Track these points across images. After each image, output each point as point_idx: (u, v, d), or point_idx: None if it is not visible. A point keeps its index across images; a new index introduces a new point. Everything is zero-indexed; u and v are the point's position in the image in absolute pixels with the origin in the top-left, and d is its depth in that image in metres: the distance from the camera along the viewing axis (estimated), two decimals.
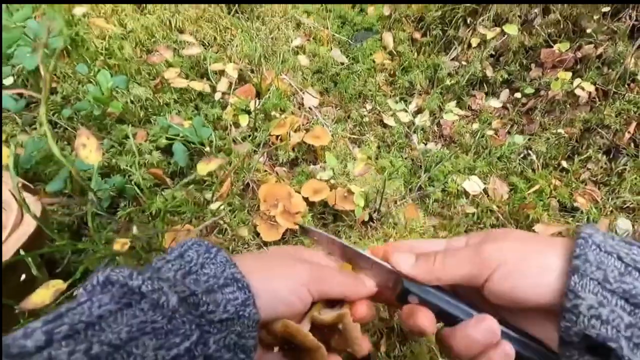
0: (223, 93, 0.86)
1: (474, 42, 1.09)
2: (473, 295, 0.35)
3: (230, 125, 0.91)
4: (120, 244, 0.54)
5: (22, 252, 0.47)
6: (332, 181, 0.87)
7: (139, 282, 0.28)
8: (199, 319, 0.28)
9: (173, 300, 0.28)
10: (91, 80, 0.79)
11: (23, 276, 0.58)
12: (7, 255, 0.48)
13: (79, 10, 0.82)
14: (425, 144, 1.11)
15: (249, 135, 0.92)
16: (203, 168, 0.58)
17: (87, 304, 0.27)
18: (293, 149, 0.93)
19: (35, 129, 0.80)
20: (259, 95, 0.97)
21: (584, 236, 0.29)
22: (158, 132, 0.84)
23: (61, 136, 0.82)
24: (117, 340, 0.25)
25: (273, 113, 0.91)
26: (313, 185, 0.82)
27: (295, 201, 0.76)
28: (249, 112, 0.89)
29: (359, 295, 0.37)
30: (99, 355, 0.24)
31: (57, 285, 0.45)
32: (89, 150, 0.43)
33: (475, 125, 0.95)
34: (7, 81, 0.76)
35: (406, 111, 0.85)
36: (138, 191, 0.75)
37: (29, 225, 0.51)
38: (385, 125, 1.13)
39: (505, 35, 1.13)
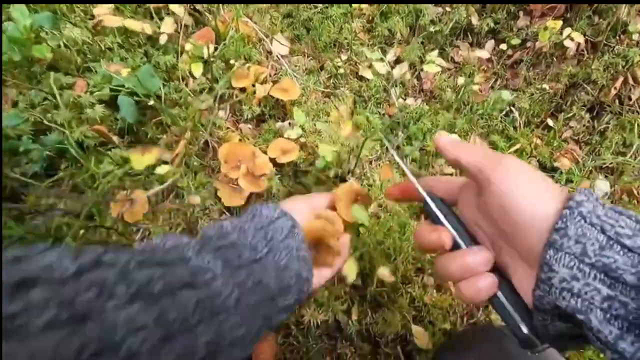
0: (170, 36, 0.74)
1: None
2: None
3: (187, 76, 0.80)
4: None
5: None
6: (302, 139, 0.79)
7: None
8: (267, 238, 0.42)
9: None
10: (10, 18, 0.66)
11: None
12: None
13: None
14: (404, 99, 1.04)
15: (209, 88, 0.81)
16: (138, 160, 0.50)
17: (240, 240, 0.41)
18: (259, 104, 0.84)
19: None
20: (218, 41, 0.85)
21: (571, 205, 0.29)
22: (100, 83, 0.72)
23: None
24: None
25: (232, 61, 0.80)
26: (281, 144, 0.74)
27: (260, 162, 0.68)
28: (205, 61, 0.78)
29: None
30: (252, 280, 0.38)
31: None
32: None
33: (460, 79, 0.88)
34: None
35: (383, 60, 0.76)
36: (77, 151, 0.66)
37: None
38: (361, 78, 1.03)
39: None
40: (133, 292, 0.27)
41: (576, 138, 0.93)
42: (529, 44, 1.04)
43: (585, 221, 0.28)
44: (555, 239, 0.29)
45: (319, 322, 0.65)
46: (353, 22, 1.10)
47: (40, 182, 0.67)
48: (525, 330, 0.33)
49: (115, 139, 0.73)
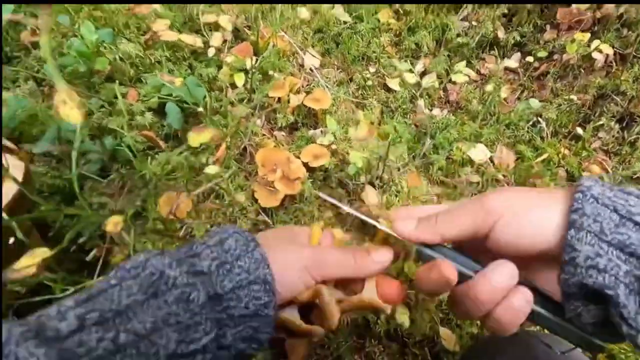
0: (217, 49, 0.81)
1: None
2: (478, 256, 0.35)
3: (227, 86, 0.86)
4: (113, 224, 0.51)
5: (4, 215, 0.44)
6: (333, 146, 0.83)
7: (175, 273, 0.30)
8: (220, 313, 0.31)
9: (202, 297, 0.30)
10: (76, 33, 0.73)
11: (12, 239, 0.56)
12: None
13: None
14: (431, 110, 1.07)
15: (247, 97, 0.87)
16: (195, 138, 0.55)
17: (116, 289, 0.29)
18: (292, 112, 0.89)
19: (18, 86, 0.76)
20: (256, 54, 0.91)
21: (583, 189, 0.30)
22: (150, 92, 0.79)
23: (46, 94, 0.78)
24: (142, 330, 0.27)
25: (271, 73, 0.86)
26: (313, 150, 0.78)
27: (294, 167, 0.73)
28: (245, 72, 0.83)
29: (366, 272, 0.36)
30: (125, 343, 0.26)
31: (43, 254, 0.42)
32: (70, 108, 0.39)
33: (488, 87, 0.90)
34: None
35: (412, 72, 0.80)
36: (130, 154, 0.72)
37: (12, 188, 0.48)
38: (389, 90, 1.07)
39: None
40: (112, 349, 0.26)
41: (605, 148, 0.93)
42: (555, 57, 1.06)
43: (598, 202, 0.29)
44: (574, 219, 0.29)
45: (349, 321, 0.68)
46: (381, 36, 1.15)
47: (96, 183, 0.74)
48: (577, 331, 0.32)
49: (161, 143, 0.79)
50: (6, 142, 0.55)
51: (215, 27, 0.86)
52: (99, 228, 0.64)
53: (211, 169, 0.66)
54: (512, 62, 0.95)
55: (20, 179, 0.48)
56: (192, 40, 0.73)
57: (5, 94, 0.71)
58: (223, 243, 0.33)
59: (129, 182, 0.77)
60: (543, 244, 0.31)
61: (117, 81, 0.80)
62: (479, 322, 0.73)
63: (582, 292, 0.29)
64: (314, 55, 1.01)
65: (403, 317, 0.57)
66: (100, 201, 0.75)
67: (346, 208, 0.38)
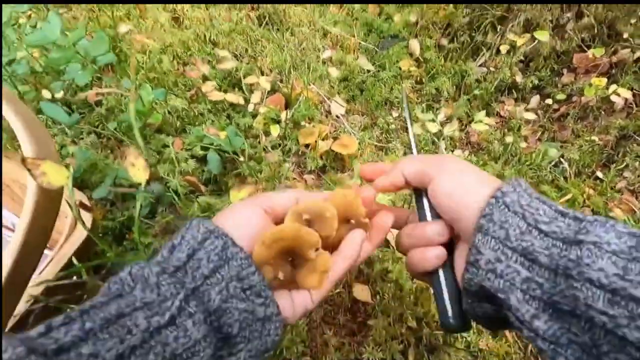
0: (254, 104, 0.90)
1: (503, 49, 1.08)
2: None
3: (261, 134, 0.94)
4: None
5: (74, 260, 0.51)
6: None
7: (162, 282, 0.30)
8: (187, 279, 0.30)
9: (174, 306, 0.28)
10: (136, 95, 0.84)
11: (74, 278, 0.63)
12: (64, 259, 0.52)
13: (124, 28, 0.88)
14: (452, 151, 1.11)
15: (279, 144, 0.94)
16: (235, 195, 0.61)
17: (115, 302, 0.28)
18: (321, 157, 0.95)
19: (82, 139, 0.86)
20: (287, 104, 1.00)
21: (497, 195, 0.32)
22: (193, 141, 0.88)
23: (104, 145, 0.88)
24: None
25: (303, 123, 0.93)
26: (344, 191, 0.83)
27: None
28: (279, 122, 0.91)
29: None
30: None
31: None
32: (137, 169, 0.46)
33: (509, 138, 0.94)
34: (58, 95, 0.82)
35: (434, 121, 0.85)
36: (175, 198, 0.79)
37: (82, 234, 0.55)
38: None
39: (536, 41, 1.11)
40: None
41: (631, 188, 0.93)
42: (574, 99, 1.09)
43: (509, 209, 0.31)
44: (482, 224, 0.31)
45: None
46: (403, 82, 1.22)
47: (142, 224, 0.82)
48: (450, 314, 0.36)
49: (202, 187, 0.87)
50: (81, 196, 0.63)
51: (253, 84, 0.96)
52: None
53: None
54: (531, 112, 0.99)
55: (89, 226, 0.56)
56: (235, 99, 0.82)
57: (72, 148, 0.81)
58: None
59: (173, 224, 0.84)
60: (457, 216, 0.35)
61: (165, 133, 0.89)
62: (504, 356, 0.73)
63: (480, 291, 0.32)
64: (340, 104, 1.09)
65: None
66: (147, 241, 0.83)
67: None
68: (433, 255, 0.37)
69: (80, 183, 0.83)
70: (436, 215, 0.39)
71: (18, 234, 0.40)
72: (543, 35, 0.95)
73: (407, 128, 0.51)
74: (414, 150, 0.45)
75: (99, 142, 0.87)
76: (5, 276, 0.40)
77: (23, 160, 0.41)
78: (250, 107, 0.89)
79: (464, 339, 0.73)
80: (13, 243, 0.40)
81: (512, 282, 0.28)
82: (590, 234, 0.26)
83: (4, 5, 0.83)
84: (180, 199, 0.84)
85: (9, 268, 0.40)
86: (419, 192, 0.40)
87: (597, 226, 0.27)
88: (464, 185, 0.35)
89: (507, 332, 0.75)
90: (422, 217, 0.40)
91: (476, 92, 1.08)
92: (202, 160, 0.90)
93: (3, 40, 0.80)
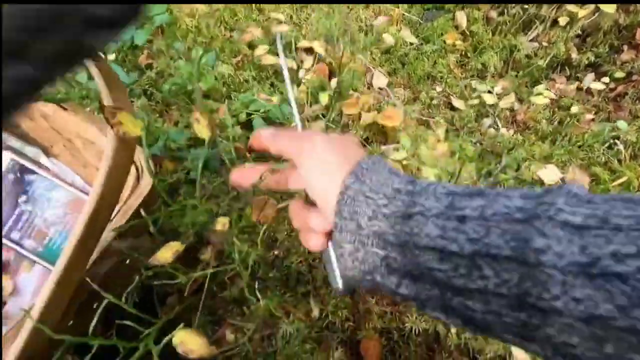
0: (306, 70, 0.89)
1: (562, 20, 1.02)
2: None
3: (306, 103, 0.94)
4: (221, 224, 0.59)
5: (142, 212, 0.53)
6: (405, 162, 0.87)
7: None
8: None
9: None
10: (181, 57, 0.84)
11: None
12: (130, 211, 0.54)
13: None
14: (497, 130, 1.07)
15: (323, 115, 0.94)
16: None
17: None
18: (365, 129, 0.94)
19: (132, 101, 0.88)
20: (331, 73, 0.98)
21: (342, 190, 0.33)
22: (239, 108, 0.88)
23: (153, 109, 0.89)
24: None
25: (350, 92, 0.92)
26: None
27: None
28: (325, 91, 0.90)
29: None
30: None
31: (176, 247, 0.50)
32: (202, 126, 0.46)
33: (574, 109, 0.90)
34: (111, 57, 0.84)
35: (491, 92, 0.82)
36: (226, 161, 0.80)
37: (145, 187, 0.56)
38: (453, 109, 1.10)
39: (597, 14, 1.04)
40: None
41: None
42: (634, 77, 1.03)
43: (355, 200, 0.32)
44: (336, 222, 0.33)
45: (420, 330, 0.70)
46: (447, 56, 1.18)
47: (191, 187, 0.83)
48: (340, 285, 0.36)
49: (247, 155, 0.87)
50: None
51: (304, 50, 0.94)
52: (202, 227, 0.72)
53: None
54: (591, 82, 0.94)
55: (150, 180, 0.57)
56: (290, 63, 0.81)
57: None
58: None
59: (227, 188, 0.86)
60: (324, 209, 0.35)
61: (211, 98, 0.90)
62: None
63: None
64: (383, 74, 1.07)
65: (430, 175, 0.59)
66: (192, 203, 0.85)
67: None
68: (312, 244, 0.38)
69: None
70: None
71: (99, 180, 0.41)
72: (609, 7, 0.89)
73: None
74: (298, 123, 0.41)
75: (149, 104, 0.89)
76: (86, 220, 0.42)
77: (102, 108, 0.42)
78: (302, 74, 0.88)
79: None
80: (94, 189, 0.42)
81: (374, 264, 0.31)
82: (416, 205, 0.29)
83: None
84: (230, 162, 0.85)
85: (89, 214, 0.42)
86: None
87: (421, 196, 0.30)
88: (323, 178, 0.34)
89: None
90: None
91: (528, 60, 1.03)
92: (248, 127, 0.90)
93: None
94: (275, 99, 0.77)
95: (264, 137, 0.39)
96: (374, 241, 0.31)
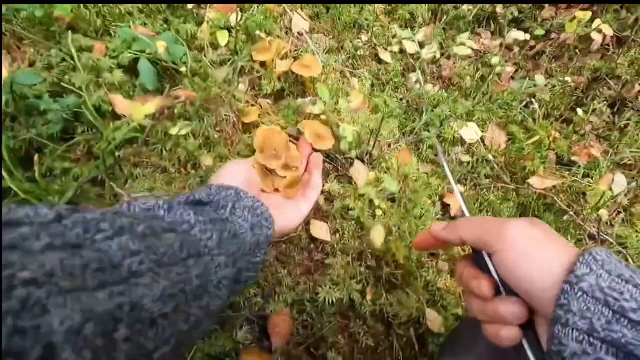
0: (197, 2, 0.72)
1: None
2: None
3: (207, 46, 0.78)
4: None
5: None
6: (323, 117, 0.77)
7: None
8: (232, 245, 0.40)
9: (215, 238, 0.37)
10: None
11: None
12: None
13: None
14: (422, 85, 1.02)
15: (229, 59, 0.79)
16: (137, 111, 0.48)
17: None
18: (279, 79, 0.82)
19: None
20: (240, 10, 0.83)
21: (571, 280, 0.29)
22: (120, 47, 0.70)
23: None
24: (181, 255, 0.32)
25: (258, 33, 0.78)
26: (317, 129, 0.71)
27: (294, 154, 0.65)
28: (229, 30, 0.76)
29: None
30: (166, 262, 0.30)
31: None
32: None
33: (494, 59, 0.86)
34: None
35: (413, 40, 0.74)
36: (95, 117, 0.64)
37: None
38: (380, 61, 1.02)
39: None
40: (117, 229, 0.27)
41: (596, 133, 0.92)
42: (552, 36, 1.02)
43: (588, 295, 0.28)
44: (559, 315, 0.29)
45: (334, 300, 0.65)
46: (375, 3, 1.08)
47: (57, 145, 0.66)
48: None
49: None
50: None
51: None
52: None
53: (178, 130, 0.59)
54: (518, 35, 0.90)
55: None
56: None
57: None
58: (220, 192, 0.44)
59: (97, 148, 0.69)
60: (531, 297, 0.33)
61: (80, 32, 0.70)
62: (464, 303, 0.72)
63: None
64: (303, 18, 0.94)
65: (378, 235, 0.57)
66: (63, 166, 0.68)
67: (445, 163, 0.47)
68: (507, 338, 0.35)
69: None
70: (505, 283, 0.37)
71: None
72: None
73: (450, 184, 0.50)
74: (466, 212, 0.44)
75: None
76: None
77: None
78: (191, 5, 0.71)
79: (424, 278, 0.71)
80: None
81: None
82: None
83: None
84: (105, 117, 0.69)
85: None
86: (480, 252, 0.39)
87: None
88: (534, 264, 0.32)
89: None
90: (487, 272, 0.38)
91: (456, 12, 0.97)
92: (133, 71, 0.73)
93: None
94: (161, 45, 0.61)
95: (438, 231, 0.41)
96: (610, 349, 0.26)
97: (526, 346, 0.34)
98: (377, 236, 0.52)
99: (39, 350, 0.18)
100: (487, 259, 0.37)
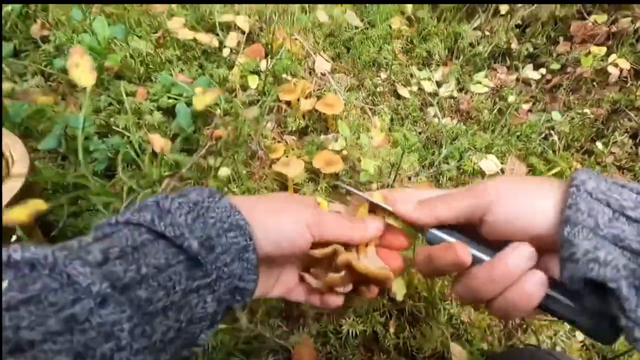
0: (231, 50, 0.79)
1: (503, 9, 1.01)
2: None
3: (237, 88, 0.85)
4: None
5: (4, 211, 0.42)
6: (344, 152, 0.81)
7: (161, 228, 0.30)
8: (215, 262, 0.31)
9: (194, 245, 0.30)
10: (86, 29, 0.72)
11: (14, 237, 0.54)
12: None
13: None
14: (440, 119, 1.05)
15: (257, 100, 0.85)
16: (200, 100, 0.52)
17: (126, 231, 0.29)
18: (303, 117, 0.87)
19: (26, 80, 0.74)
20: (268, 56, 0.90)
21: (577, 183, 0.30)
22: (159, 91, 0.78)
23: (54, 89, 0.76)
24: (160, 264, 0.28)
25: (284, 76, 0.84)
26: (325, 156, 0.76)
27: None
28: (258, 74, 0.82)
29: (362, 235, 0.38)
30: (147, 274, 0.27)
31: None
32: (82, 71, 0.37)
33: (511, 98, 0.89)
34: None
35: (430, 80, 0.78)
36: (135, 155, 0.70)
37: (16, 181, 0.46)
38: (399, 97, 1.06)
39: (535, 5, 1.04)
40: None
41: (618, 164, 0.92)
42: (569, 69, 1.05)
43: (592, 196, 0.29)
44: (569, 216, 0.29)
45: (357, 332, 0.66)
46: (392, 42, 1.14)
47: (102, 182, 0.72)
48: (592, 325, 0.31)
49: (168, 144, 0.77)
50: (8, 133, 0.53)
51: (230, 27, 0.85)
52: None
53: (223, 171, 0.64)
54: (530, 72, 0.94)
55: (25, 171, 0.46)
56: (207, 39, 0.72)
57: (9, 85, 0.69)
58: (188, 197, 0.33)
59: (135, 184, 0.75)
60: (535, 228, 0.32)
61: (126, 79, 0.78)
62: (489, 337, 0.72)
63: (584, 289, 0.29)
64: (325, 59, 1.00)
65: (399, 288, 0.55)
66: (105, 201, 0.74)
67: (362, 193, 0.40)
68: (536, 287, 0.31)
69: (25, 132, 0.72)
70: (490, 251, 0.34)
71: None
72: None
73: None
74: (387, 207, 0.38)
75: (48, 85, 0.75)
76: None
77: None
78: (226, 53, 0.78)
79: (447, 311, 0.71)
80: None
81: (618, 269, 0.27)
82: None
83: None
84: (143, 155, 0.75)
85: None
86: (445, 229, 0.36)
87: None
88: (528, 197, 0.32)
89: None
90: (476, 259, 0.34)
91: (472, 49, 1.01)
92: (171, 113, 0.80)
93: None
94: (200, 90, 0.67)
95: (407, 211, 0.36)
96: (611, 246, 0.27)
97: (549, 291, 0.31)
98: (399, 290, 0.54)
99: None
100: (443, 235, 0.35)
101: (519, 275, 0.31)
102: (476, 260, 0.33)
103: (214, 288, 0.31)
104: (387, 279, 0.37)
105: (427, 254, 0.35)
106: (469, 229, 0.36)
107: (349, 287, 0.39)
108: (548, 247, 0.32)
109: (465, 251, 0.33)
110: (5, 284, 0.23)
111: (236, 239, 0.32)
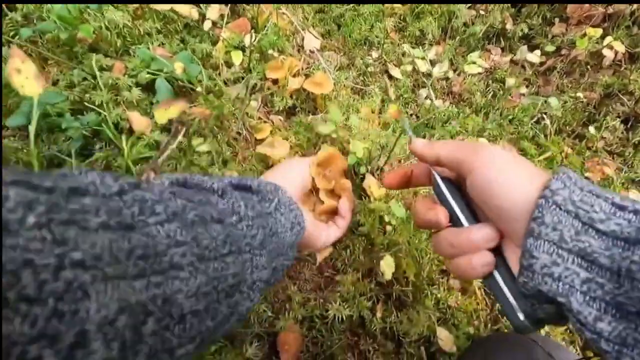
0: (213, 23, 0.75)
1: None
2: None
3: (221, 64, 0.80)
4: None
5: None
6: (333, 135, 0.79)
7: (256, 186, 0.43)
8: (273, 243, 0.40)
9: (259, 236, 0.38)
10: None
11: None
12: None
13: None
14: (432, 101, 1.03)
15: (242, 77, 0.81)
16: (161, 115, 0.50)
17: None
18: (291, 96, 0.84)
19: None
20: (253, 30, 0.85)
21: (546, 194, 0.30)
22: (138, 66, 0.73)
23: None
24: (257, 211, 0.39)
25: (270, 52, 0.80)
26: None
27: (344, 184, 0.64)
28: (243, 49, 0.78)
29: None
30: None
31: None
32: (25, 77, 0.33)
33: (510, 81, 0.87)
34: None
35: (424, 58, 0.75)
36: (114, 133, 0.66)
37: None
38: (390, 77, 1.03)
39: None
40: (170, 214, 0.27)
41: (609, 149, 0.91)
42: (563, 52, 1.03)
43: (561, 209, 0.29)
44: (533, 228, 0.30)
45: (344, 317, 0.65)
46: (385, 20, 1.10)
47: (77, 162, 0.68)
48: (521, 317, 0.33)
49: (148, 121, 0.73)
50: None
51: None
52: None
53: (203, 148, 0.61)
54: (529, 55, 0.91)
55: None
56: (187, 10, 0.67)
57: None
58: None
59: (114, 163, 0.71)
60: (503, 214, 0.33)
61: (101, 52, 0.73)
62: (475, 322, 0.72)
63: (538, 294, 0.30)
64: (315, 36, 0.96)
65: (388, 267, 0.56)
66: None
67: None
68: (480, 264, 0.35)
69: None
70: (472, 212, 0.38)
71: None
72: None
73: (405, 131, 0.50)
74: (411, 135, 0.44)
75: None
76: None
77: None
78: (207, 26, 0.74)
79: (434, 295, 0.70)
80: None
81: (571, 285, 0.27)
82: None
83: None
84: (122, 134, 0.71)
85: None
86: (448, 182, 0.39)
87: None
88: (509, 181, 0.33)
89: (476, 289, 0.73)
90: (450, 209, 0.38)
91: (466, 29, 0.98)
92: (150, 89, 0.76)
93: None
94: (179, 66, 0.63)
95: (420, 145, 0.40)
96: (576, 259, 0.27)
97: (496, 274, 0.34)
98: (388, 268, 0.52)
99: (71, 337, 0.18)
100: (445, 189, 0.39)
101: (475, 250, 0.35)
102: (456, 222, 0.38)
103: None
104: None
105: (418, 206, 0.41)
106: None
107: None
108: (512, 236, 0.34)
109: (442, 215, 0.38)
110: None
111: (292, 207, 0.45)
